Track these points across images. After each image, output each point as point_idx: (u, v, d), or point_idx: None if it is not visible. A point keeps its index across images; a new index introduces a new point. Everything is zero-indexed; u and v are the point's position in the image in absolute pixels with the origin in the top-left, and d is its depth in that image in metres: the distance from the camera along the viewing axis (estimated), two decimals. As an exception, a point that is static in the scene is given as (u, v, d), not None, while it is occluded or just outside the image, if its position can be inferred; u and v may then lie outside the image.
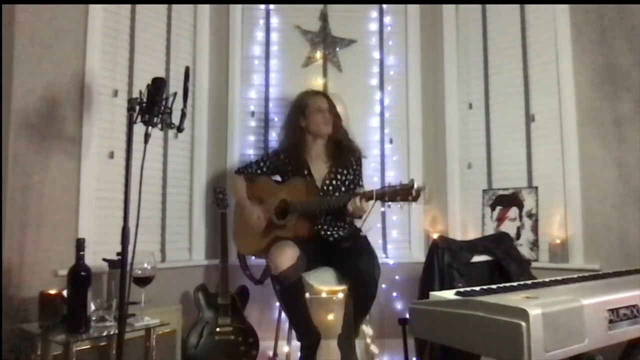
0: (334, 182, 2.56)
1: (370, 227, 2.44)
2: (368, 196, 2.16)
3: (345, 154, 2.61)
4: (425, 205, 2.12)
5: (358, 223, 2.54)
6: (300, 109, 2.63)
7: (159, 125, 1.82)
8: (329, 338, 2.41)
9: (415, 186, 2.03)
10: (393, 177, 3.14)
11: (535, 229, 2.77)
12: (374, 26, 3.26)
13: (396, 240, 3.14)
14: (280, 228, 2.46)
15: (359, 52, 3.22)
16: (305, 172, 2.55)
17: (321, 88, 3.14)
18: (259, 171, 2.67)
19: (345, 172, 2.59)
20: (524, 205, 2.83)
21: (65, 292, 1.96)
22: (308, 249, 2.29)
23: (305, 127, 2.60)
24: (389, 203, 2.11)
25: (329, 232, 2.49)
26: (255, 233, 2.56)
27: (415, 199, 2.03)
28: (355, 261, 2.21)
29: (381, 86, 3.21)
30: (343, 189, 2.57)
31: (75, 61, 2.45)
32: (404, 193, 2.03)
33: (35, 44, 2.31)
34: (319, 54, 3.18)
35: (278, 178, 2.70)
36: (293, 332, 2.35)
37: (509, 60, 2.97)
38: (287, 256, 2.18)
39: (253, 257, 2.78)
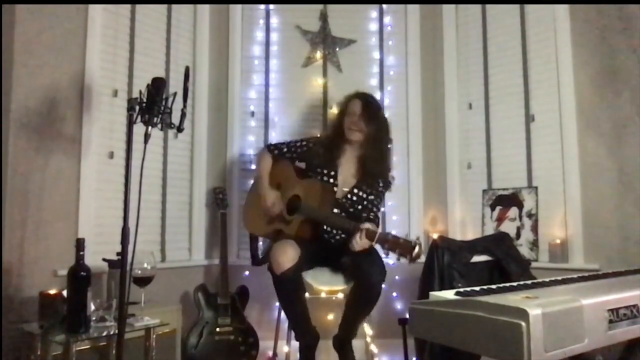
0: (354, 197, 2.47)
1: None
2: (369, 236, 2.11)
3: (375, 172, 2.47)
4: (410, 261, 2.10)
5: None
6: (340, 110, 2.57)
7: (159, 125, 1.82)
8: (328, 338, 2.41)
9: (416, 250, 1.98)
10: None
11: (535, 229, 2.77)
12: (373, 26, 3.26)
13: (396, 240, 3.14)
14: (285, 223, 2.45)
15: (359, 52, 3.22)
16: (331, 174, 2.47)
17: (321, 88, 3.15)
18: (287, 155, 2.59)
19: (368, 191, 2.48)
20: (523, 205, 2.83)
21: (65, 292, 1.95)
22: (308, 249, 2.29)
23: (340, 131, 2.49)
24: (387, 251, 2.08)
25: (331, 235, 2.47)
26: (261, 216, 2.55)
27: (413, 260, 2.00)
28: (363, 267, 2.18)
29: (381, 86, 3.21)
30: (360, 207, 2.47)
31: (75, 61, 2.45)
32: (404, 249, 2.00)
33: (35, 44, 2.31)
34: (318, 54, 3.18)
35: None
36: (292, 332, 2.35)
37: (509, 60, 2.97)
38: (289, 256, 2.17)
39: (260, 243, 2.78)
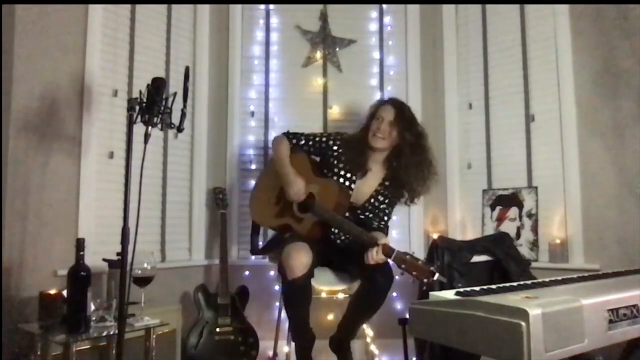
0: (370, 206, 2.40)
1: None
2: (386, 253, 2.04)
3: (399, 182, 2.37)
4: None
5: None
6: (370, 113, 2.44)
7: (159, 125, 1.82)
8: (327, 338, 2.41)
9: (435, 277, 1.91)
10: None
11: (535, 229, 2.77)
12: (373, 26, 3.26)
13: (396, 240, 3.13)
14: (295, 220, 2.35)
15: (358, 52, 3.22)
16: (349, 177, 2.38)
17: (321, 88, 3.14)
18: (305, 147, 2.46)
19: (385, 200, 2.41)
20: (523, 205, 2.83)
21: (65, 292, 1.96)
22: (316, 250, 2.24)
23: (366, 135, 2.37)
24: (402, 271, 2.00)
25: (337, 235, 2.43)
26: (271, 206, 2.46)
27: (429, 284, 1.92)
28: (372, 272, 2.14)
29: (381, 86, 3.21)
30: (371, 215, 2.41)
31: (75, 61, 2.45)
32: (421, 273, 1.93)
33: (35, 44, 2.31)
34: (318, 54, 3.18)
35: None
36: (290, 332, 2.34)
37: (509, 60, 2.97)
38: (303, 262, 2.10)
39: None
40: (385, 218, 2.45)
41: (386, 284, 2.15)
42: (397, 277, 2.85)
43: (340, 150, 2.41)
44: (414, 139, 2.35)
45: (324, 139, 2.46)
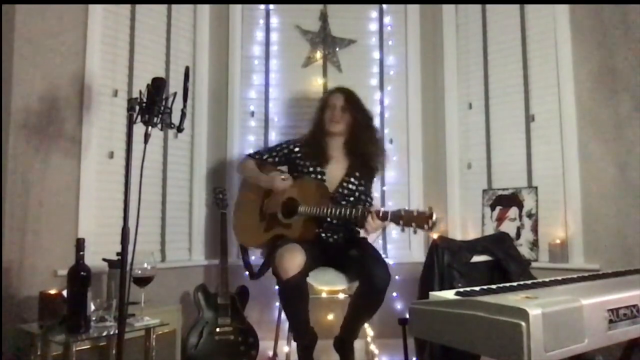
0: (346, 190, 2.49)
1: (374, 240, 2.40)
2: (382, 216, 2.07)
3: (363, 160, 2.52)
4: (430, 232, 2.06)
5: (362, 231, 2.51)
6: (321, 105, 2.61)
7: (159, 125, 1.82)
8: (328, 338, 2.41)
9: (434, 217, 1.95)
10: (393, 177, 3.15)
11: (535, 229, 2.77)
12: (373, 26, 3.26)
13: (396, 240, 3.14)
14: (285, 227, 2.42)
15: (358, 52, 3.22)
16: (318, 170, 2.49)
17: (321, 88, 3.14)
18: (270, 159, 2.61)
19: (358, 181, 2.51)
20: (523, 205, 2.83)
21: (65, 292, 1.95)
22: (311, 251, 2.27)
23: (322, 126, 2.55)
24: (402, 227, 2.03)
25: (329, 234, 2.47)
26: (256, 224, 2.54)
27: (430, 228, 1.95)
28: (370, 270, 2.16)
29: (381, 86, 3.22)
30: (352, 198, 2.50)
31: (75, 61, 2.45)
32: (421, 220, 1.96)
33: (35, 44, 2.31)
34: (318, 54, 3.18)
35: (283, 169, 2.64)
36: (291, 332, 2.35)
37: (509, 60, 2.97)
38: (297, 262, 2.13)
39: (253, 257, 2.77)
40: (369, 199, 2.55)
41: (384, 281, 2.15)
42: (396, 277, 2.87)
43: (303, 150, 2.55)
44: (366, 119, 2.56)
45: (283, 146, 2.63)
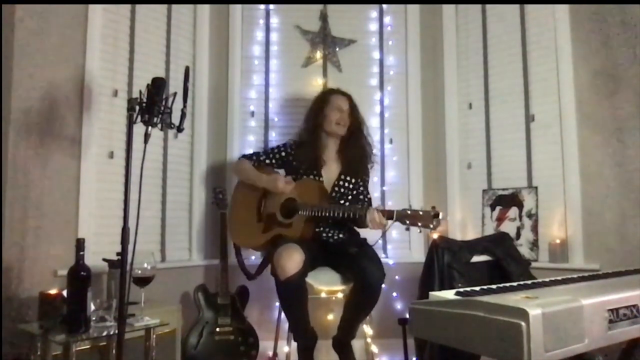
0: (342, 189, 2.52)
1: (376, 240, 2.40)
2: (388, 215, 2.09)
3: (358, 161, 2.57)
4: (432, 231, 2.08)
5: (361, 231, 2.51)
6: (320, 105, 2.60)
7: (159, 125, 1.82)
8: (328, 338, 2.41)
9: (440, 217, 1.98)
10: (393, 177, 3.15)
11: (535, 229, 2.77)
12: (373, 26, 3.26)
13: (396, 240, 3.14)
14: (284, 227, 2.42)
15: (358, 52, 3.22)
16: (315, 172, 2.51)
17: (321, 88, 3.14)
18: (267, 161, 2.62)
19: (354, 180, 2.54)
20: (523, 205, 2.83)
21: (65, 292, 1.95)
22: (309, 250, 2.28)
23: (321, 125, 2.56)
24: (408, 226, 2.07)
25: (329, 234, 2.48)
26: (253, 225, 2.54)
27: (435, 228, 1.99)
28: (363, 267, 2.18)
29: (381, 86, 3.21)
30: (350, 197, 2.53)
31: (75, 61, 2.45)
32: (426, 220, 1.99)
33: (35, 44, 2.31)
34: (318, 54, 3.18)
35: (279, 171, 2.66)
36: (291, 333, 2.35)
37: (509, 60, 2.97)
38: (295, 261, 2.13)
39: (253, 257, 2.77)
40: (366, 199, 2.57)
41: (377, 278, 2.16)
42: (396, 277, 2.87)
43: (299, 150, 2.57)
44: (361, 123, 2.64)
45: (281, 149, 2.63)
